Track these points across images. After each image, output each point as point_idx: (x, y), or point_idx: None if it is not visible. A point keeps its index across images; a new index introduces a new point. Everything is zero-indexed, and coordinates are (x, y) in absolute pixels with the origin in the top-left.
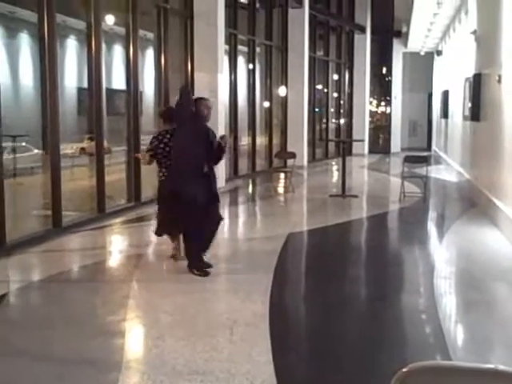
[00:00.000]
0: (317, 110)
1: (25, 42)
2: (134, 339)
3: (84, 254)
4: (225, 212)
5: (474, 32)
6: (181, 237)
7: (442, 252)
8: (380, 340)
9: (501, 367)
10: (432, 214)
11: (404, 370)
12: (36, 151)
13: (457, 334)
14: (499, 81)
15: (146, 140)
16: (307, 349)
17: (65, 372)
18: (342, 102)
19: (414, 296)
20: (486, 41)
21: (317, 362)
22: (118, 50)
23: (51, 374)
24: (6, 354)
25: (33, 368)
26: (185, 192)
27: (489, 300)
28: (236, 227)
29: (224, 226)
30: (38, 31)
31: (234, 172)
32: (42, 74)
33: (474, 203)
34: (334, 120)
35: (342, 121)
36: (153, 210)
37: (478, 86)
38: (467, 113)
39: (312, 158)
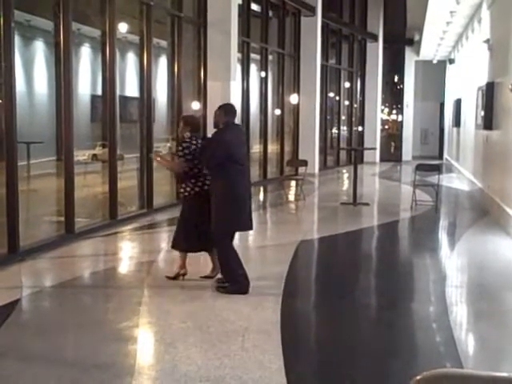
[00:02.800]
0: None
1: (40, 49)
2: (147, 345)
3: (96, 260)
4: None
5: (487, 41)
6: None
7: (453, 261)
8: (392, 348)
9: None
10: (443, 223)
11: (417, 377)
12: None
13: (468, 343)
14: None
15: (158, 147)
16: (319, 356)
17: (78, 377)
18: (353, 109)
19: (426, 305)
20: (499, 49)
21: (328, 369)
22: (131, 58)
23: (65, 379)
24: (20, 359)
25: (47, 373)
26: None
27: (501, 309)
28: (247, 234)
29: (235, 234)
30: (54, 39)
31: None
32: (57, 81)
33: (485, 212)
34: (345, 128)
35: (353, 129)
36: (166, 216)
37: (490, 95)
38: (480, 121)
39: (323, 165)
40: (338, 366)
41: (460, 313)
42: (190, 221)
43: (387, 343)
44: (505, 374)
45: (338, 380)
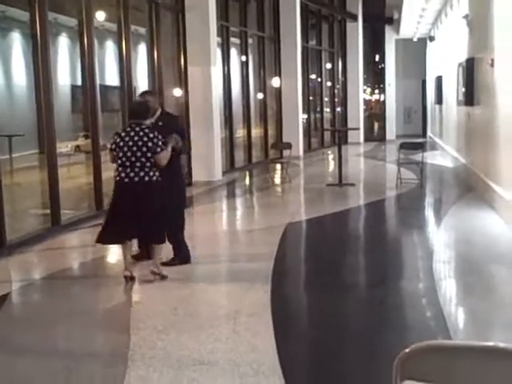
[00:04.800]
0: None
1: (17, 41)
2: (138, 333)
3: (84, 251)
4: (223, 204)
5: (466, 16)
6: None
7: (439, 237)
8: (382, 325)
9: (501, 344)
10: (429, 200)
11: (406, 350)
12: None
13: (457, 316)
14: (492, 64)
15: None
16: (310, 336)
17: (71, 367)
18: (335, 90)
19: (415, 281)
20: (478, 25)
21: (320, 348)
22: (110, 46)
23: (59, 369)
24: (12, 352)
25: (40, 364)
26: None
27: (488, 283)
28: (234, 219)
29: (223, 219)
30: (30, 30)
31: (230, 164)
32: (36, 72)
33: (470, 187)
34: (328, 109)
35: (336, 110)
36: None
37: (471, 71)
38: (461, 98)
39: (308, 147)
40: (330, 344)
41: (448, 287)
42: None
43: (377, 320)
44: (490, 343)
45: (330, 359)
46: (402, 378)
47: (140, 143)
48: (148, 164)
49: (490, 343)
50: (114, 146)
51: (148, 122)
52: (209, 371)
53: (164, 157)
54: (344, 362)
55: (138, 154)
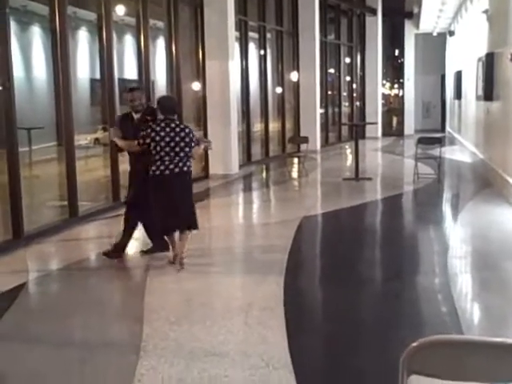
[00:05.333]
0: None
1: (37, 34)
2: (152, 324)
3: (101, 243)
4: (239, 197)
5: (486, 11)
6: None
7: (456, 232)
8: (395, 320)
9: (509, 340)
10: (446, 195)
11: (414, 344)
12: None
13: (470, 311)
14: (511, 59)
15: None
16: (321, 330)
17: (86, 356)
18: (354, 85)
19: (429, 275)
20: (498, 19)
21: (331, 342)
22: (129, 40)
23: (73, 358)
24: (27, 341)
25: (53, 353)
26: None
27: (503, 278)
28: (250, 212)
29: (239, 212)
30: (50, 24)
31: (247, 158)
32: (55, 66)
33: (488, 183)
34: (346, 103)
35: (354, 104)
36: None
37: (490, 66)
38: (480, 93)
39: (325, 142)
40: (341, 339)
41: (462, 283)
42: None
43: (390, 314)
44: (498, 339)
45: (342, 353)
46: (409, 373)
47: (178, 138)
48: (185, 157)
49: (498, 339)
50: (148, 141)
51: (136, 116)
52: (220, 362)
53: (197, 151)
54: (355, 357)
55: (177, 148)
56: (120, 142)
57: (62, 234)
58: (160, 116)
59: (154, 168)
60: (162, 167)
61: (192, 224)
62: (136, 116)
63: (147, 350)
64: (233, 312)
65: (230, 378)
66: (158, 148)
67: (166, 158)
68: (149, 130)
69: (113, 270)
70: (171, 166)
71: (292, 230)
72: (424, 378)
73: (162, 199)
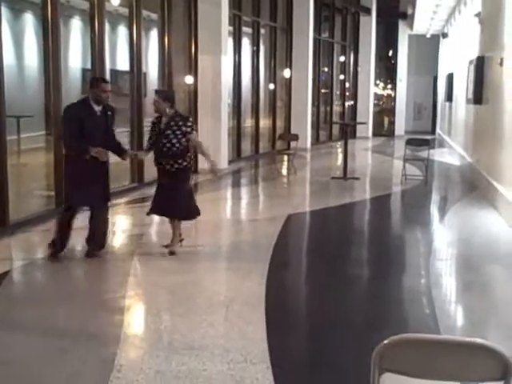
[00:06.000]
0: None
1: (29, 22)
2: (133, 315)
3: (86, 233)
4: (227, 193)
5: (478, 14)
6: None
7: (440, 234)
8: (374, 319)
9: (478, 340)
10: (432, 197)
11: (384, 342)
12: None
13: (449, 313)
14: (501, 64)
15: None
16: (301, 327)
17: (67, 346)
18: (346, 84)
19: (411, 276)
20: (490, 23)
21: (310, 340)
22: (121, 31)
23: (54, 348)
24: (9, 329)
25: (35, 342)
26: None
27: (484, 281)
28: (238, 208)
29: (226, 207)
30: (42, 12)
31: (237, 154)
32: (46, 54)
33: (474, 186)
34: (338, 102)
35: (346, 103)
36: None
37: (480, 69)
38: (470, 96)
39: (316, 140)
40: (320, 336)
41: (444, 284)
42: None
43: (370, 314)
44: (467, 339)
45: (320, 349)
46: (381, 370)
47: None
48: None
49: (467, 338)
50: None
51: (96, 108)
52: (198, 356)
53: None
54: (333, 354)
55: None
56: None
57: (48, 223)
58: (171, 110)
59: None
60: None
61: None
62: (97, 108)
63: (127, 341)
64: (214, 307)
65: (208, 371)
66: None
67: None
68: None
69: (98, 260)
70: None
71: (277, 227)
72: (398, 376)
73: None
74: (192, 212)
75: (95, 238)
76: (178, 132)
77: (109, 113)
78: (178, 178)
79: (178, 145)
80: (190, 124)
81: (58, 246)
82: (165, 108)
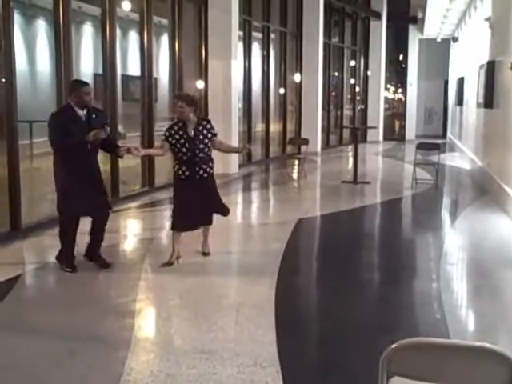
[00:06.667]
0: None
1: (41, 28)
2: (144, 319)
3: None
4: (237, 197)
5: (489, 19)
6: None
7: (451, 239)
8: (384, 323)
9: (486, 345)
10: (442, 201)
11: (393, 346)
12: None
13: (459, 318)
14: (511, 68)
15: (161, 126)
16: (310, 330)
17: (78, 349)
18: (357, 88)
19: (421, 281)
20: (500, 28)
21: (320, 344)
22: (132, 37)
23: (65, 350)
24: (21, 331)
25: (45, 345)
26: None
27: (495, 286)
28: (248, 212)
29: (236, 211)
30: (54, 17)
31: (247, 158)
32: (58, 60)
33: (485, 190)
34: (348, 106)
35: (357, 107)
36: (167, 195)
37: (491, 74)
38: (481, 100)
39: (326, 144)
40: (330, 340)
41: (455, 289)
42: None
43: (380, 318)
44: (476, 343)
45: (329, 354)
46: (390, 374)
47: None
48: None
49: (476, 343)
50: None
51: (80, 112)
52: (208, 359)
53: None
54: (342, 358)
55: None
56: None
57: None
58: (194, 115)
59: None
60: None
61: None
62: (81, 112)
63: (138, 344)
64: (224, 311)
65: (218, 375)
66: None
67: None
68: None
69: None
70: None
71: (288, 232)
72: (407, 380)
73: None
74: (227, 208)
75: (99, 247)
76: (208, 135)
77: (93, 116)
78: (211, 181)
79: (207, 149)
80: (213, 125)
81: (71, 257)
82: (189, 113)
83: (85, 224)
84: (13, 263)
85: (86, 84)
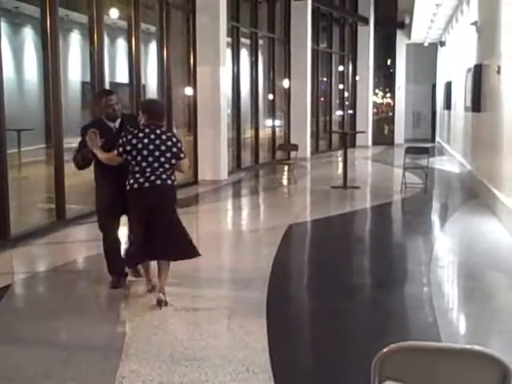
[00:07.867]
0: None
1: (29, 36)
2: (135, 327)
3: (88, 246)
4: (227, 204)
5: (475, 23)
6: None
7: (441, 242)
8: (375, 328)
9: (477, 348)
10: (432, 205)
11: (384, 350)
12: None
13: (450, 321)
14: (498, 72)
15: None
16: (302, 336)
17: (68, 358)
18: (345, 93)
19: (412, 284)
20: (487, 31)
21: (311, 349)
22: (120, 44)
23: (55, 360)
24: (11, 341)
25: (37, 354)
26: None
27: (485, 289)
28: (238, 219)
29: (227, 218)
30: (41, 26)
31: (237, 164)
32: (45, 68)
33: (474, 194)
34: (337, 112)
35: (345, 112)
36: None
37: (478, 77)
38: (468, 104)
39: (315, 149)
40: (321, 346)
41: (446, 292)
42: None
43: (372, 322)
44: (467, 346)
45: (322, 359)
46: (382, 378)
47: (163, 147)
48: (170, 169)
49: (466, 346)
50: (129, 148)
51: (111, 124)
52: (200, 367)
53: (185, 164)
54: (334, 363)
55: (162, 159)
56: (101, 155)
57: (50, 236)
58: (143, 121)
59: (131, 180)
60: (141, 179)
61: (186, 251)
62: (113, 125)
63: (129, 353)
64: (216, 318)
65: (210, 382)
66: (140, 157)
67: (148, 170)
68: (130, 136)
69: (99, 273)
70: (152, 178)
71: (278, 237)
72: None
73: (141, 218)
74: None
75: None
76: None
77: (128, 126)
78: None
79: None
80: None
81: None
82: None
83: None
84: (2, 273)
85: (106, 94)
